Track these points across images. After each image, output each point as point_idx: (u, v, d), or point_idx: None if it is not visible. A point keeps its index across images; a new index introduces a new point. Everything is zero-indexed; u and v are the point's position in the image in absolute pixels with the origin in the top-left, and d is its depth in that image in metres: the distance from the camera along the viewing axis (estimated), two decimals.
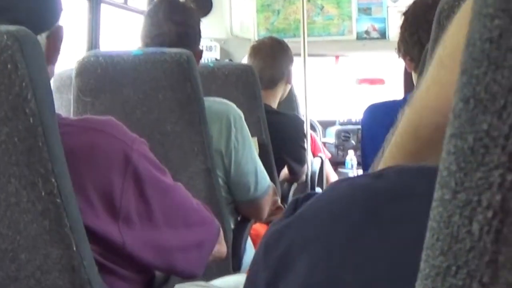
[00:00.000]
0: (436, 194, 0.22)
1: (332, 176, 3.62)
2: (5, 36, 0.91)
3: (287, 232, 0.43)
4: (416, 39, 1.70)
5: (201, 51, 1.91)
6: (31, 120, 0.92)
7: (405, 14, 1.77)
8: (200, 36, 1.88)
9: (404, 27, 1.76)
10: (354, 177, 0.45)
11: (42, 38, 1.06)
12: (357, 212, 0.39)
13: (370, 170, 0.58)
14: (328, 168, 3.59)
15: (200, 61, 1.93)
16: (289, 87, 2.87)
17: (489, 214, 0.20)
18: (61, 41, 1.11)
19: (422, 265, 0.22)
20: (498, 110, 0.19)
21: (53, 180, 0.94)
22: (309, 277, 0.38)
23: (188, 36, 1.81)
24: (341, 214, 0.40)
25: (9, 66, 0.91)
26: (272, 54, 2.70)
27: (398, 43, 1.80)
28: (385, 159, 0.54)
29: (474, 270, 0.20)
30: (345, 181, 0.44)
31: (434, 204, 0.22)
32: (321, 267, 0.38)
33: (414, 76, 1.78)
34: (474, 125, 0.20)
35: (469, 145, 0.21)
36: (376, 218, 0.38)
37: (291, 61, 2.80)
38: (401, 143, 0.52)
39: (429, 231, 0.22)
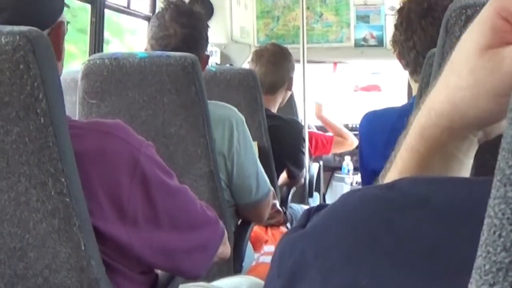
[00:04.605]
0: (497, 192, 0.22)
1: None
2: (17, 37, 0.91)
3: (301, 240, 0.43)
4: (412, 45, 1.69)
5: (208, 56, 1.91)
6: (42, 120, 0.92)
7: (400, 15, 1.72)
8: (207, 42, 1.87)
9: (399, 31, 1.73)
10: (366, 188, 0.45)
11: None
12: (371, 221, 0.40)
13: (382, 173, 0.58)
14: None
15: None
16: (289, 94, 2.86)
17: None
18: (64, 36, 1.11)
19: (480, 261, 0.22)
20: None
21: (63, 179, 0.94)
22: (324, 284, 0.38)
23: (194, 39, 1.80)
24: (355, 224, 0.40)
25: (21, 66, 0.91)
26: (274, 61, 2.70)
27: (393, 43, 1.76)
28: (396, 162, 0.55)
29: None
30: (357, 192, 0.44)
31: (495, 201, 0.22)
32: (335, 274, 0.38)
33: (411, 81, 1.77)
34: None
35: None
36: (390, 226, 0.38)
37: (293, 68, 2.80)
38: (410, 144, 0.53)
39: (489, 228, 0.22)
